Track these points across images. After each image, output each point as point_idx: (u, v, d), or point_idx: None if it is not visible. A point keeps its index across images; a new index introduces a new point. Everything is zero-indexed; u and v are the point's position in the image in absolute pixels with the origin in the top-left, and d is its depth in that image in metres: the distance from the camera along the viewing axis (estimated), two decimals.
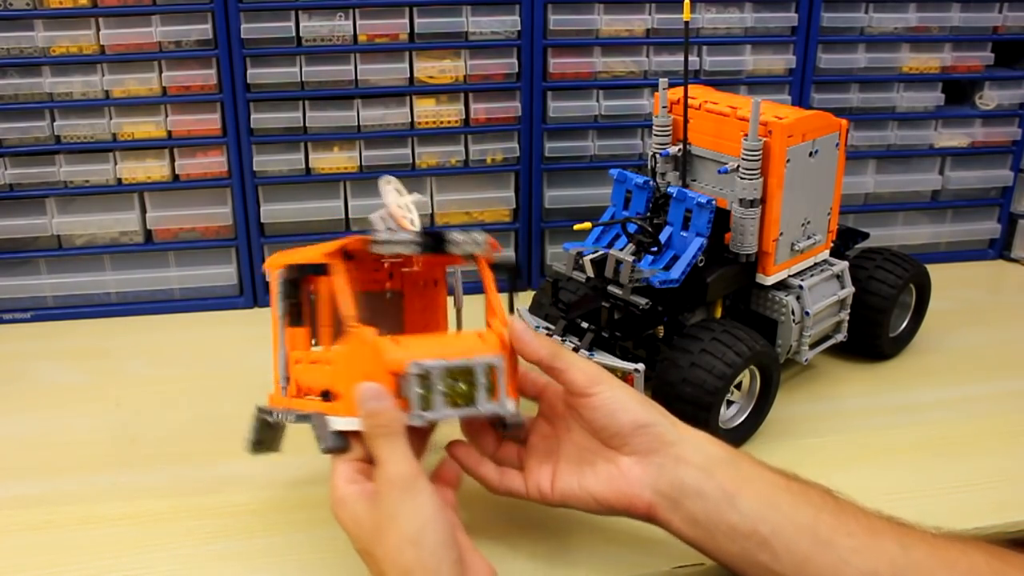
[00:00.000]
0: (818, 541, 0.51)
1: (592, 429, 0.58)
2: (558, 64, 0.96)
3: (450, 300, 0.67)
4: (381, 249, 0.57)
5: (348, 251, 0.58)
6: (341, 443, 0.55)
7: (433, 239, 0.59)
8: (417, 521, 0.49)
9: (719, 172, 0.76)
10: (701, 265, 0.75)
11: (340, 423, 0.55)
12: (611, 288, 0.74)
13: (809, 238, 0.79)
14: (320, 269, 0.58)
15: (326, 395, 0.58)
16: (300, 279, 0.61)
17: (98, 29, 0.89)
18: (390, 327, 0.68)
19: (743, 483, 0.54)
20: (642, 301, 0.73)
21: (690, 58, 0.90)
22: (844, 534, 0.51)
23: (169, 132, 0.93)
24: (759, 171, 0.73)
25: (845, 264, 0.83)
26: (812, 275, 0.80)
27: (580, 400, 0.57)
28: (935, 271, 0.89)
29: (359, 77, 0.93)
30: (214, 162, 0.95)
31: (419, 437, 0.59)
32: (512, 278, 0.63)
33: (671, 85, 0.80)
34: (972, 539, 0.51)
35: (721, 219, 0.75)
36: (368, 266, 0.68)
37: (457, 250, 0.59)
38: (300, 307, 0.61)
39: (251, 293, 0.99)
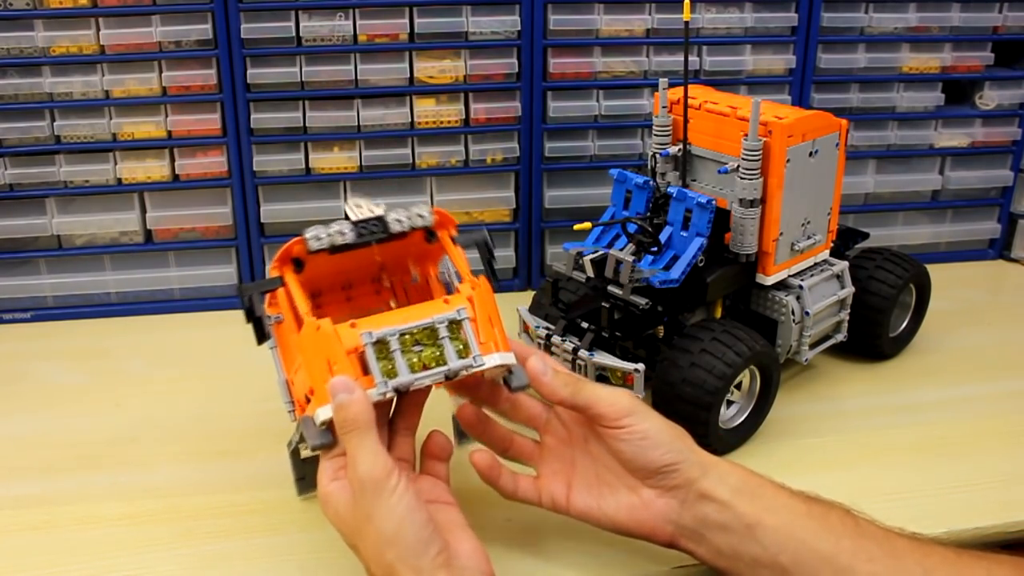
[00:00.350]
0: (839, 569, 0.51)
1: (618, 459, 0.58)
2: (558, 64, 0.96)
3: None
4: (319, 244, 0.56)
5: (296, 258, 0.58)
6: (326, 439, 0.54)
7: (372, 222, 0.57)
8: (391, 521, 0.50)
9: (719, 172, 0.75)
10: (701, 265, 0.74)
11: (322, 413, 0.54)
12: (611, 288, 0.74)
13: (809, 238, 0.79)
14: (277, 282, 0.58)
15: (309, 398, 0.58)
16: (261, 299, 0.60)
17: (98, 29, 0.89)
18: None
19: (764, 513, 0.54)
20: (642, 301, 0.73)
21: (690, 58, 0.90)
22: (864, 559, 0.51)
23: (169, 132, 0.93)
24: (759, 171, 0.73)
25: (845, 264, 0.83)
26: (812, 275, 0.80)
27: (608, 431, 0.57)
28: (935, 271, 0.89)
29: (359, 77, 0.93)
30: (214, 162, 0.95)
31: (411, 408, 0.59)
32: (485, 254, 0.62)
33: (671, 85, 0.80)
34: (996, 554, 0.51)
35: (721, 219, 0.75)
36: (368, 289, 0.67)
37: (400, 227, 0.57)
38: (262, 325, 0.60)
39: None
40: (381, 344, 0.54)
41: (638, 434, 0.56)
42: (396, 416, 0.59)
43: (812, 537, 0.52)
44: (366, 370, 0.54)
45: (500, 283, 0.63)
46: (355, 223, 0.57)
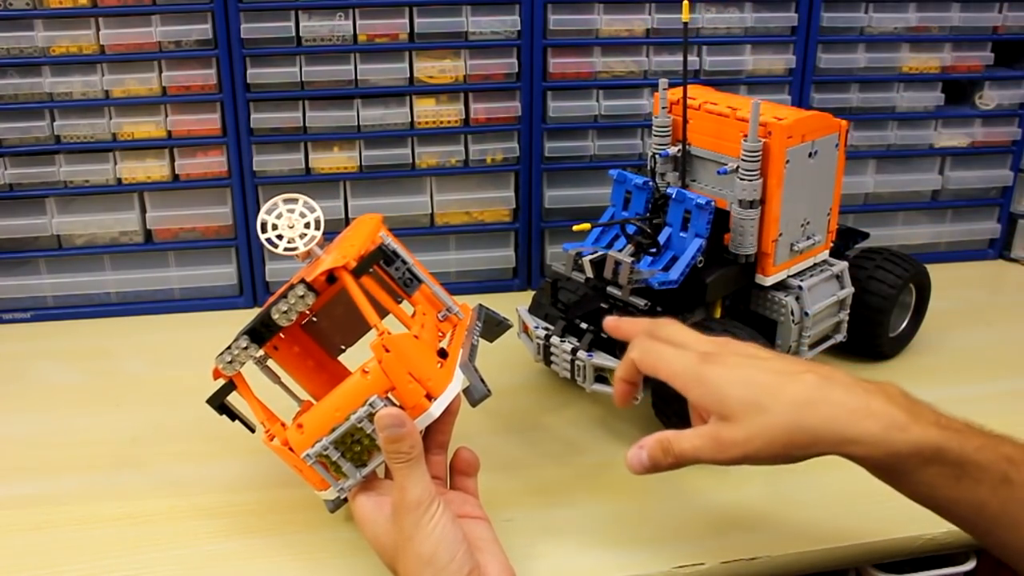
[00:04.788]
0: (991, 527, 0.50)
1: None
2: (558, 64, 0.96)
3: None
4: (230, 370, 0.60)
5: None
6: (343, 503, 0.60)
7: (260, 331, 0.59)
8: (430, 543, 0.52)
9: (718, 173, 0.75)
10: (700, 266, 0.75)
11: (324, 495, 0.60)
12: (610, 289, 0.74)
13: (809, 239, 0.79)
14: (229, 387, 0.61)
15: None
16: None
17: (98, 29, 0.89)
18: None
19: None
20: (641, 302, 0.73)
21: (690, 58, 0.91)
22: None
23: (169, 132, 0.93)
24: (758, 172, 0.73)
25: (845, 264, 0.83)
26: (812, 275, 0.80)
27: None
28: (935, 271, 0.89)
29: (359, 77, 0.93)
30: (214, 162, 0.95)
31: (443, 427, 0.61)
32: (388, 262, 0.61)
33: (671, 85, 0.80)
34: None
35: (720, 220, 0.75)
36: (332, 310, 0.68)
37: (288, 319, 0.58)
38: (244, 420, 0.63)
39: (251, 293, 0.99)
40: (324, 457, 0.57)
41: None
42: (427, 435, 0.60)
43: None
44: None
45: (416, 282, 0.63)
46: (251, 335, 0.59)
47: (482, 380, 0.58)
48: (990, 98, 1.06)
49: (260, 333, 0.59)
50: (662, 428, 0.74)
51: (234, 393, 0.61)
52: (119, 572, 0.61)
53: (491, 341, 0.70)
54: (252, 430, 0.62)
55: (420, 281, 0.63)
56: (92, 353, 0.91)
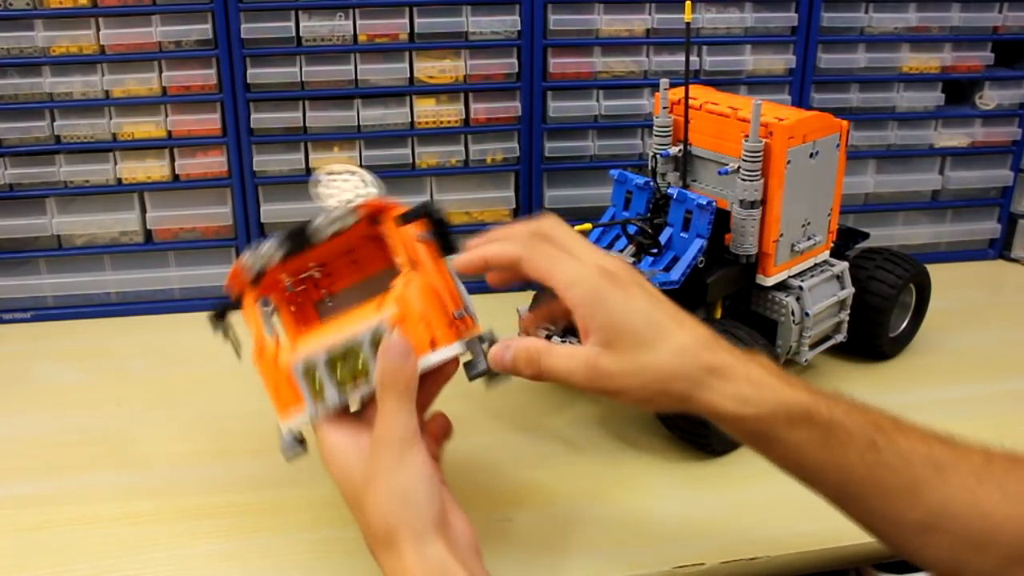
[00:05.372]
0: (845, 495, 0.50)
1: None
2: (558, 64, 0.96)
3: None
4: (251, 274, 0.58)
5: (258, 277, 0.59)
6: (297, 450, 0.57)
7: (295, 237, 0.57)
8: (410, 478, 0.50)
9: (719, 173, 0.76)
10: (701, 266, 0.75)
11: (285, 426, 0.57)
12: None
13: (809, 239, 0.79)
14: (234, 305, 0.60)
15: None
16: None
17: (98, 29, 0.89)
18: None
19: (774, 454, 0.52)
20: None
21: (690, 58, 0.90)
22: (875, 491, 0.50)
23: (169, 132, 0.93)
24: (760, 172, 0.73)
25: (845, 265, 0.83)
26: (812, 276, 0.80)
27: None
28: (935, 271, 0.89)
29: (359, 77, 0.93)
30: (214, 162, 0.95)
31: (431, 388, 0.58)
32: (432, 225, 0.59)
33: (672, 85, 0.80)
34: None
35: (721, 220, 0.75)
36: (370, 248, 0.66)
37: (321, 236, 0.57)
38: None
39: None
40: (310, 372, 0.55)
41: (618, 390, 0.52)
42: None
43: (820, 469, 0.51)
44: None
45: (457, 251, 0.60)
46: (284, 237, 0.58)
47: (485, 359, 0.56)
48: (990, 98, 1.06)
49: (292, 242, 0.57)
50: (663, 428, 0.74)
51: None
52: (119, 572, 0.61)
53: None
54: (239, 355, 0.61)
55: (458, 250, 0.60)
56: (92, 353, 0.91)
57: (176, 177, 0.95)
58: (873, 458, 0.49)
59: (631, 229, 0.77)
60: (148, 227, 0.96)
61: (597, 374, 0.51)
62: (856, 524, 0.52)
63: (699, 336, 0.52)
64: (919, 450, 0.50)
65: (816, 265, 0.82)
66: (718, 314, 0.79)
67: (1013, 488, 0.48)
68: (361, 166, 0.96)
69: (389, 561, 0.50)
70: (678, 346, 0.51)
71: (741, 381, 0.50)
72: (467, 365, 0.57)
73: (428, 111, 0.96)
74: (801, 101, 1.01)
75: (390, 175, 0.97)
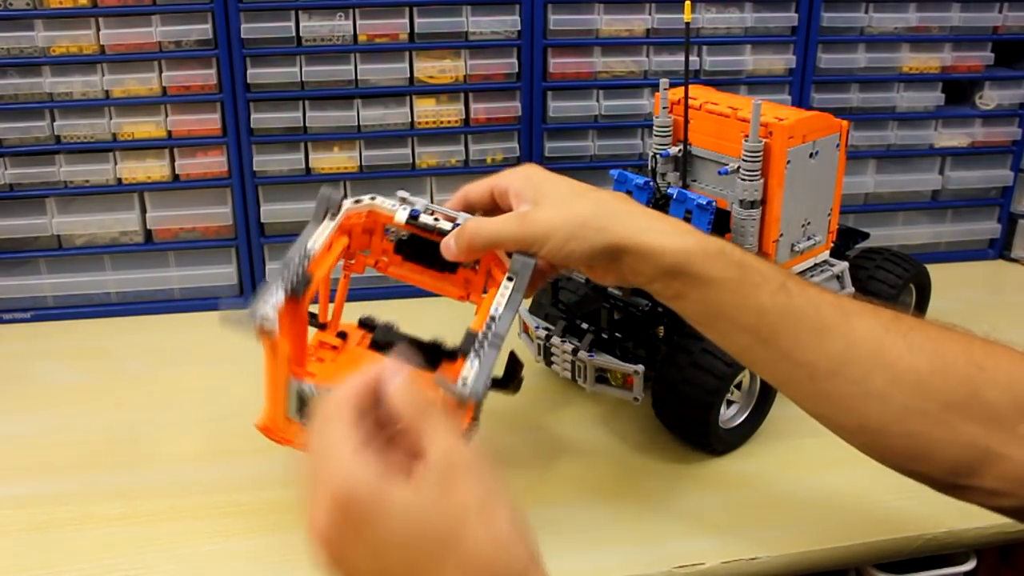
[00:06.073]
0: (758, 340, 0.53)
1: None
2: (558, 64, 0.96)
3: None
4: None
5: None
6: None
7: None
8: (508, 497, 0.39)
9: (719, 173, 0.75)
10: None
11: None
12: (611, 289, 0.74)
13: (809, 239, 0.79)
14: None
15: None
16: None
17: (98, 29, 0.89)
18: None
19: (689, 291, 0.54)
20: (642, 302, 0.73)
21: (690, 58, 0.90)
22: (785, 334, 0.52)
23: (169, 132, 0.93)
24: (759, 172, 0.73)
25: (845, 264, 0.83)
26: (812, 276, 0.80)
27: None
28: (935, 271, 0.89)
29: (359, 77, 0.93)
30: (214, 162, 0.95)
31: None
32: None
33: (671, 85, 0.80)
34: (926, 327, 0.51)
35: (721, 220, 0.75)
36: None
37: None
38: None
39: (251, 293, 0.99)
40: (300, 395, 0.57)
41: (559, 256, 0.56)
42: None
43: (734, 311, 0.53)
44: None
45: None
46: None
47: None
48: (990, 98, 1.06)
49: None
50: (663, 428, 0.74)
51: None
52: (119, 572, 0.61)
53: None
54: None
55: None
56: (92, 353, 0.91)
57: (176, 177, 0.95)
58: (784, 300, 0.52)
59: None
60: (148, 227, 0.96)
61: (525, 222, 0.57)
62: (768, 379, 0.54)
63: (619, 196, 0.59)
64: (827, 298, 0.52)
65: (816, 265, 0.82)
66: None
67: (918, 341, 0.50)
68: (361, 166, 0.97)
69: None
70: (598, 197, 0.57)
71: (658, 220, 0.56)
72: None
73: (428, 111, 0.96)
74: (801, 101, 1.01)
75: (390, 175, 0.97)
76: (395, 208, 0.63)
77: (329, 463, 0.38)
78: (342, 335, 0.66)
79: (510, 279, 0.58)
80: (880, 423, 0.50)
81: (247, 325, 0.55)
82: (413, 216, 0.62)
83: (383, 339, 0.64)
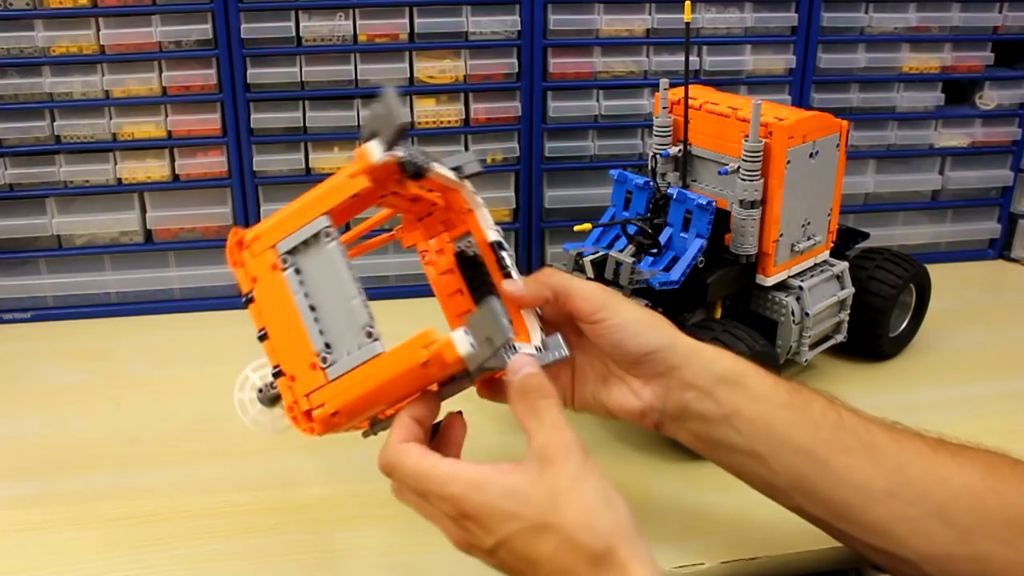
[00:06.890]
0: (814, 461, 0.51)
1: (603, 351, 0.58)
2: (558, 64, 0.96)
3: None
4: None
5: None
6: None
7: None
8: (604, 482, 0.46)
9: (719, 173, 0.76)
10: (701, 266, 0.75)
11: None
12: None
13: (809, 239, 0.79)
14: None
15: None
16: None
17: (98, 29, 0.89)
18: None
19: (744, 403, 0.54)
20: (642, 302, 0.73)
21: (690, 58, 0.90)
22: (840, 451, 0.51)
23: (169, 132, 0.93)
24: (759, 172, 0.73)
25: (845, 265, 0.83)
26: (812, 276, 0.80)
27: (587, 327, 0.57)
28: (935, 271, 0.89)
29: (359, 77, 0.93)
30: (214, 162, 0.95)
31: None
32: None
33: (672, 85, 0.80)
34: (971, 449, 0.51)
35: (721, 220, 0.75)
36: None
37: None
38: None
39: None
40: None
41: (613, 328, 0.56)
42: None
43: (789, 428, 0.52)
44: None
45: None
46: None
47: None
48: (990, 98, 1.06)
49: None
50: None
51: None
52: (119, 572, 0.61)
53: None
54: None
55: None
56: (92, 353, 0.91)
57: (176, 177, 0.95)
58: (835, 417, 0.52)
59: (631, 229, 0.77)
60: (148, 227, 0.96)
61: (607, 290, 0.58)
62: (820, 516, 0.53)
63: (640, 306, 0.60)
64: (872, 416, 0.53)
65: (816, 265, 0.82)
66: (718, 314, 0.79)
67: (967, 459, 0.50)
68: None
69: None
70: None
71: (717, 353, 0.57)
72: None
73: (428, 111, 0.96)
74: (801, 101, 1.01)
75: None
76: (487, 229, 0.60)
77: (428, 485, 0.49)
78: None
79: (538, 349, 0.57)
80: (945, 546, 0.48)
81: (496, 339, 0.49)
82: (499, 245, 0.60)
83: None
